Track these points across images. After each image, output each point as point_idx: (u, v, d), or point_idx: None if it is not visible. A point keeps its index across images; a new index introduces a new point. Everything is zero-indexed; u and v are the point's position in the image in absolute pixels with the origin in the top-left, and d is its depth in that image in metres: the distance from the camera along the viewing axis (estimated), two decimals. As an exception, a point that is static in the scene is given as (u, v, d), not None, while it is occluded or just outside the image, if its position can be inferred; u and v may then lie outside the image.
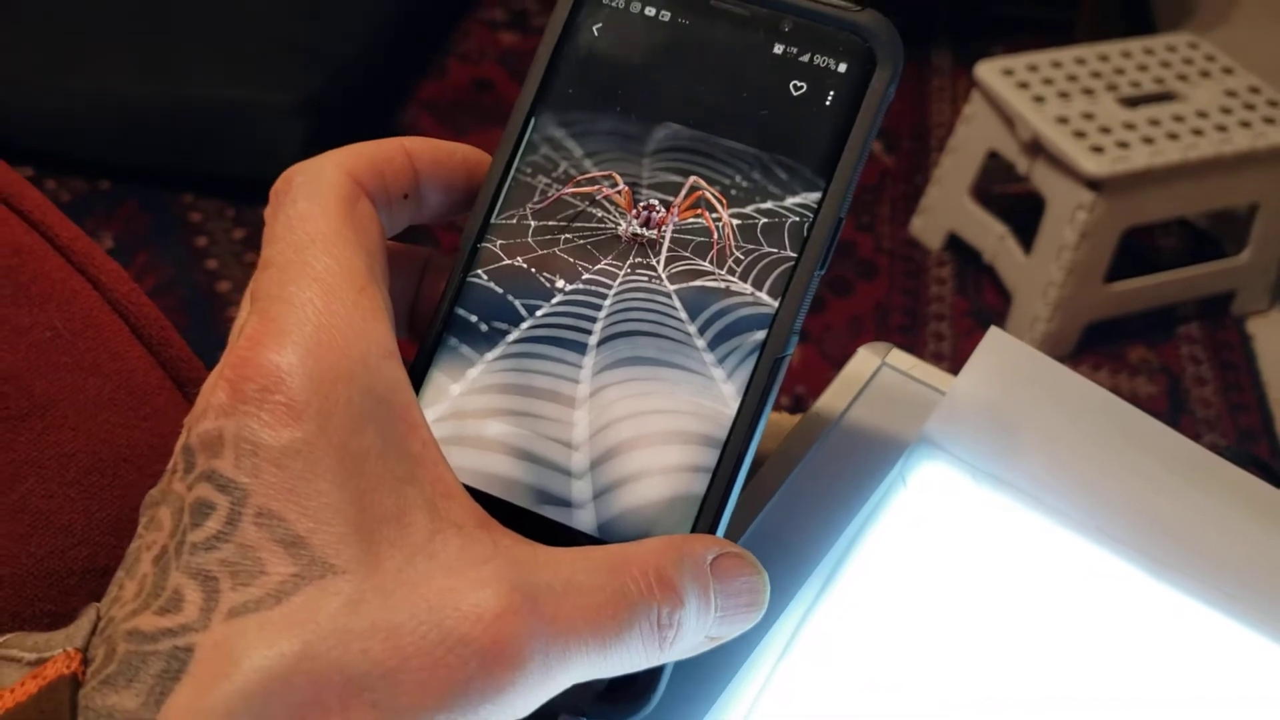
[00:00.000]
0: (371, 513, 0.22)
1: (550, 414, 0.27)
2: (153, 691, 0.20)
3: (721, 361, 0.27)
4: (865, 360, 0.34)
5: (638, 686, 0.25)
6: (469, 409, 0.27)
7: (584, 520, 0.26)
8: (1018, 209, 1.25)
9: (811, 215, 0.27)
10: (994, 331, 0.33)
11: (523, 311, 0.27)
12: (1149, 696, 0.29)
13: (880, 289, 1.29)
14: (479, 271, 0.28)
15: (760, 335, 0.26)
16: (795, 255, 0.26)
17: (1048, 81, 1.19)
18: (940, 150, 1.35)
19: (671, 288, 0.27)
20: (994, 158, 1.24)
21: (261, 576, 0.21)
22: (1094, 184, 1.11)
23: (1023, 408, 0.33)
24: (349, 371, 0.22)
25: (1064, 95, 1.18)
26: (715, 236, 0.27)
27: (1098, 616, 0.30)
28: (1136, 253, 1.26)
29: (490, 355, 0.27)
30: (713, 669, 0.29)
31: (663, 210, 0.27)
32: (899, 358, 0.35)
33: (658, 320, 0.27)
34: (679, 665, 0.25)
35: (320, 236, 0.23)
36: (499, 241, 0.28)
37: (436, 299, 0.28)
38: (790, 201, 0.27)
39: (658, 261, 0.27)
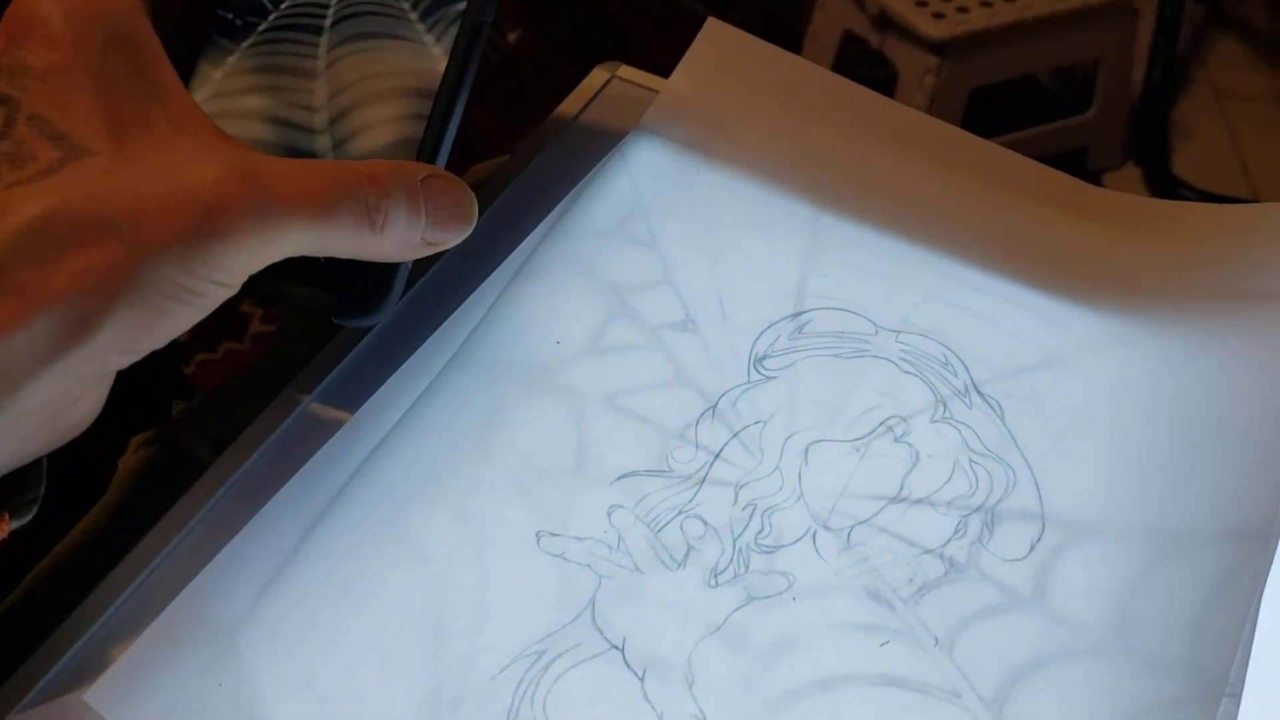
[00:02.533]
0: (121, 118, 0.27)
1: (294, 85, 0.33)
2: None
3: (431, 29, 0.33)
4: (597, 75, 0.41)
5: (372, 289, 0.31)
6: (229, 89, 0.33)
7: (325, 166, 0.32)
8: (877, 87, 1.32)
9: None
10: (711, 22, 0.39)
11: (269, 6, 0.33)
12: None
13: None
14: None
15: (461, 4, 0.32)
16: None
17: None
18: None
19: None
20: (853, 40, 1.31)
21: (33, 161, 0.27)
22: (937, 48, 1.18)
23: (739, 91, 0.39)
24: (100, 14, 0.28)
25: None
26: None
27: (803, 261, 0.37)
28: (990, 116, 1.34)
29: (244, 45, 0.33)
30: (450, 290, 0.35)
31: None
32: (630, 72, 0.41)
33: (379, 1, 0.33)
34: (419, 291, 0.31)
35: None
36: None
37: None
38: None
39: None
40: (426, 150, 0.32)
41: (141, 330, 0.26)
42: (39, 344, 0.25)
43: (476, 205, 0.32)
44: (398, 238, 0.30)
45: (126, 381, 0.32)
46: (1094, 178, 1.37)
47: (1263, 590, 0.28)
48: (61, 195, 0.26)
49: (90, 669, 0.29)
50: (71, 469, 0.37)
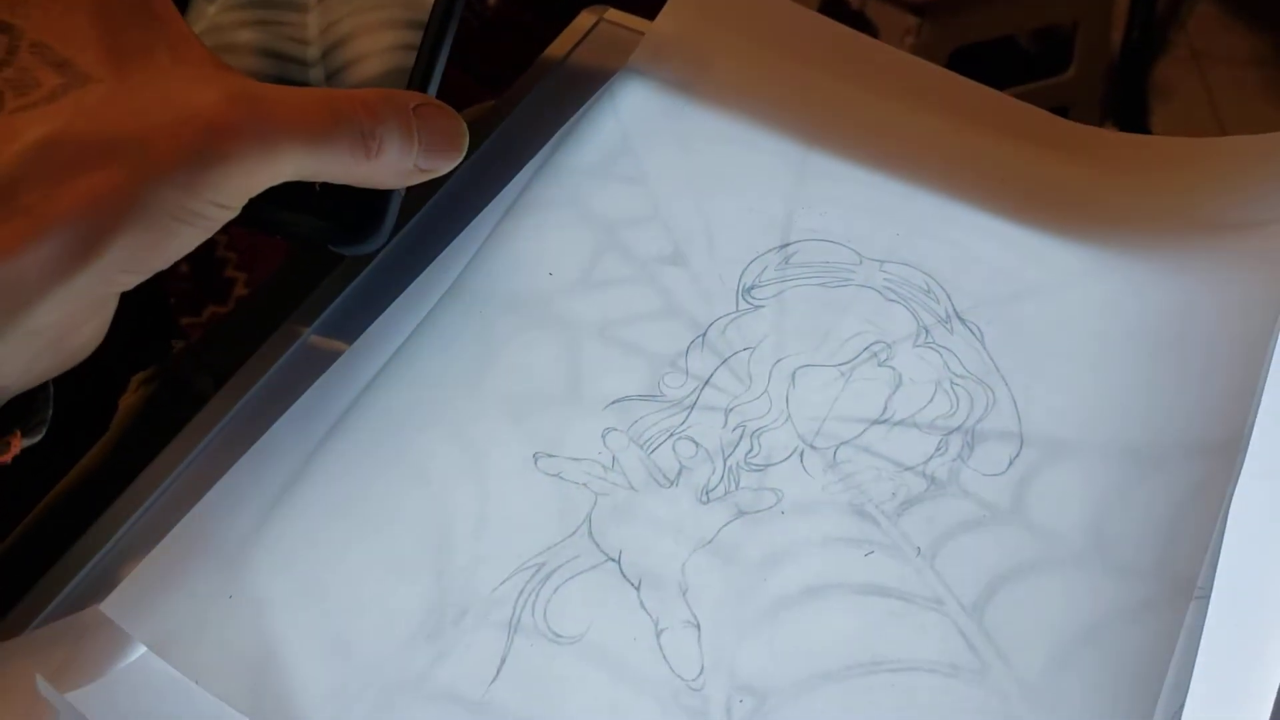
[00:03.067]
0: (122, 46, 0.28)
1: (287, 19, 0.33)
2: None
3: (423, -38, 0.33)
4: (585, 18, 0.41)
5: (366, 217, 0.32)
6: (222, 23, 0.33)
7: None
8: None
9: None
10: (696, -34, 0.40)
11: (262, -57, 0.34)
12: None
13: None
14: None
15: (449, -64, 0.33)
16: None
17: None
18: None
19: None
20: (834, 1, 1.31)
21: (36, 88, 0.27)
22: (917, 9, 1.19)
23: (724, 32, 0.40)
24: None
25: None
26: None
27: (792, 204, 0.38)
28: (970, 76, 1.35)
29: (238, -18, 0.34)
30: (445, 226, 0.36)
31: None
32: (616, 15, 0.41)
33: (369, -62, 0.34)
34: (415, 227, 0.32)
35: None
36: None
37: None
38: None
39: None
40: (417, 80, 0.33)
41: (147, 251, 0.27)
42: (48, 264, 0.26)
43: (467, 133, 0.33)
44: (391, 164, 0.31)
45: (125, 322, 0.33)
46: (1073, 139, 1.38)
47: (1231, 498, 0.29)
48: (66, 120, 0.26)
49: (103, 587, 0.29)
50: (74, 410, 0.38)
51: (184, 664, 0.28)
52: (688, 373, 0.33)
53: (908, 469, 0.31)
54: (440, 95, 0.33)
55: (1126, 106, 1.36)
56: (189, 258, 0.29)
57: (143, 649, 0.28)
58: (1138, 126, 1.36)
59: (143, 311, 0.41)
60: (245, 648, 0.29)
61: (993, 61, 1.44)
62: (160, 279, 0.30)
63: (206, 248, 0.41)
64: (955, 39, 1.23)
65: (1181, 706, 0.27)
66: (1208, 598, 0.28)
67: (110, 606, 0.28)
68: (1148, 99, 1.38)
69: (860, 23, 1.30)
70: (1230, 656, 0.28)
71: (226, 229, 0.29)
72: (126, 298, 0.29)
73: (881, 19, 1.23)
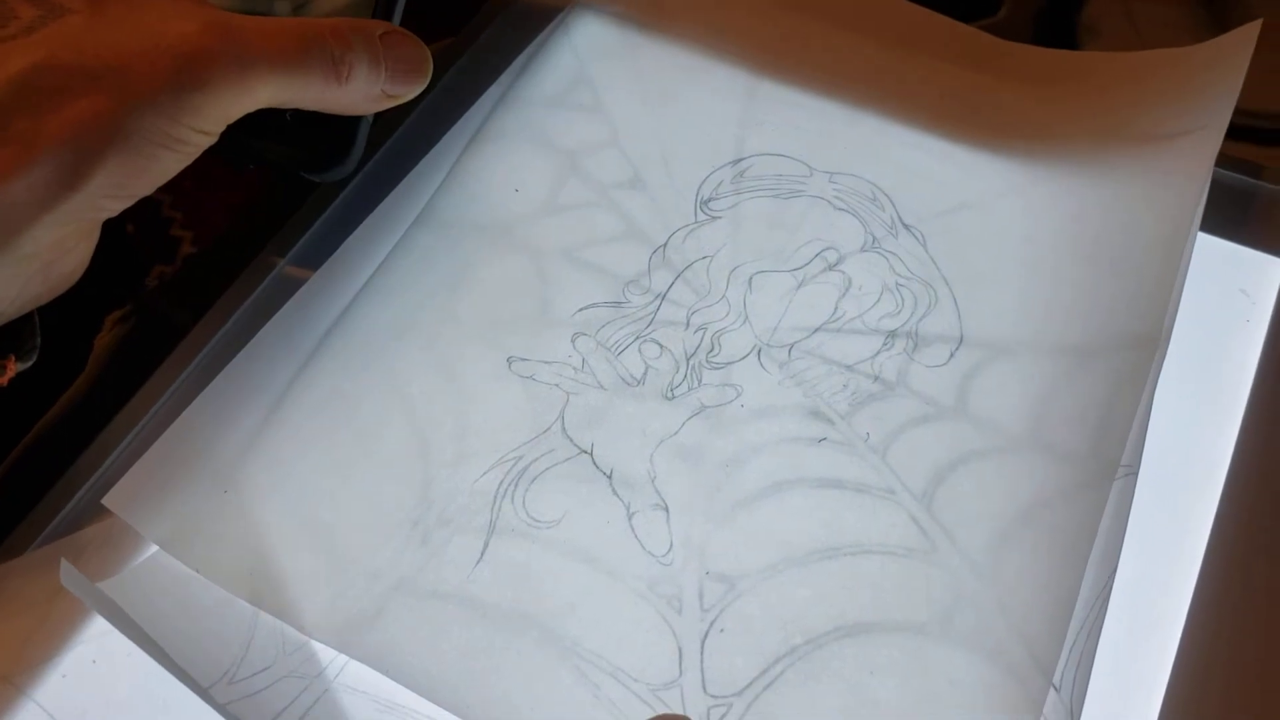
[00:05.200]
0: (99, -21, 0.29)
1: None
2: None
3: (383, -104, 0.34)
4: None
5: (337, 143, 0.34)
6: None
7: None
8: None
9: None
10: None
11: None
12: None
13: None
14: None
15: None
16: None
17: None
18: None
19: None
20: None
21: (15, 20, 0.28)
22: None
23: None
24: None
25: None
26: None
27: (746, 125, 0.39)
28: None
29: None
30: (412, 157, 0.37)
31: None
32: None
33: (330, -125, 0.35)
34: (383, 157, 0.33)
35: None
36: None
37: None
38: None
39: None
40: (381, 9, 0.34)
41: (131, 176, 0.28)
42: (37, 190, 0.27)
43: (431, 60, 0.34)
44: (360, 89, 0.32)
45: (95, 262, 0.34)
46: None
47: (1155, 385, 0.32)
48: (48, 49, 0.28)
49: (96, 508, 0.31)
50: (49, 347, 0.39)
51: (188, 557, 0.30)
52: (650, 282, 0.35)
53: (856, 366, 0.33)
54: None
55: (1057, 46, 1.39)
56: (133, 216, 0.30)
57: (153, 548, 0.30)
58: (1074, 71, 1.39)
59: (109, 254, 0.41)
60: (243, 542, 0.30)
61: (924, 3, 1.46)
62: (118, 222, 0.31)
63: (150, 207, 0.42)
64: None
65: (1114, 571, 0.29)
66: (1135, 474, 0.31)
67: (113, 500, 0.30)
68: (1077, 38, 1.41)
69: None
70: (1160, 522, 0.31)
71: (170, 187, 0.31)
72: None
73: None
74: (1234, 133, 0.36)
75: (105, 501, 0.30)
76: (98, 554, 0.30)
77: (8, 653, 0.30)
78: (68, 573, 0.27)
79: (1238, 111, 0.36)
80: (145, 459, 0.31)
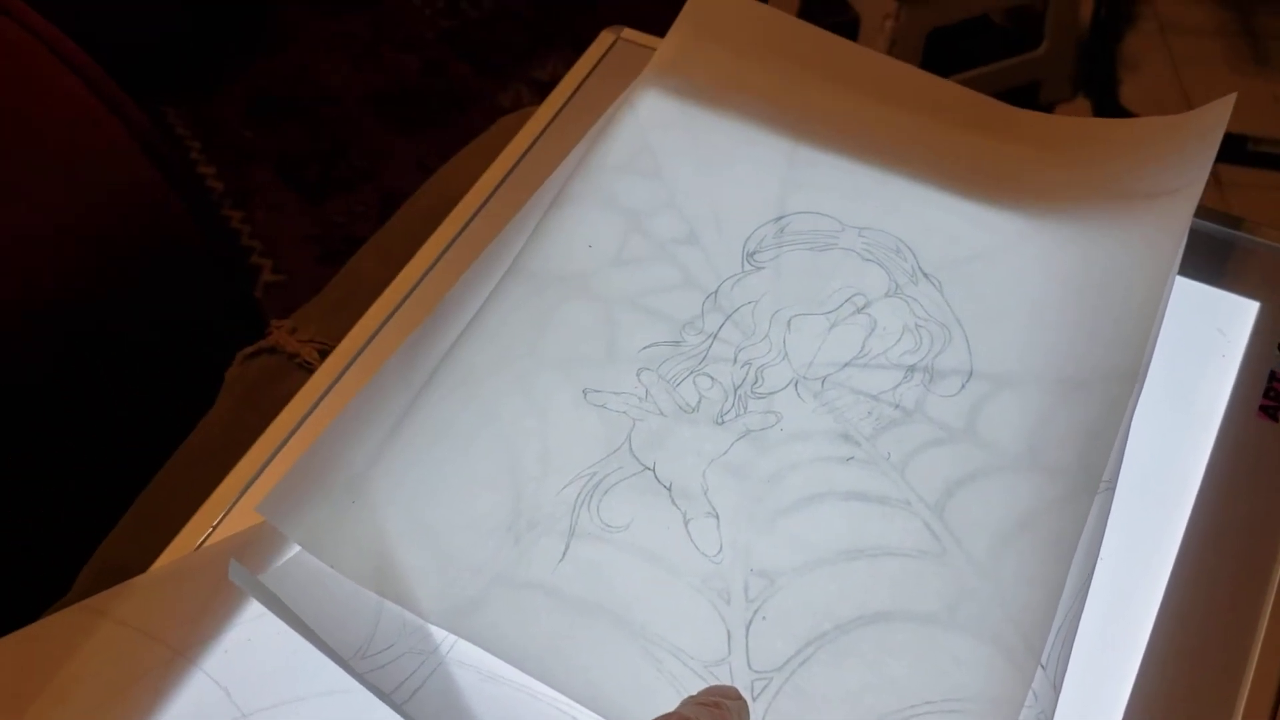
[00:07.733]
0: None
1: None
2: None
3: None
4: (605, 38, 0.49)
5: None
6: None
7: None
8: (840, 32, 1.40)
9: None
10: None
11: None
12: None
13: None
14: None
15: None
16: None
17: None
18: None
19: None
20: (818, -13, 1.38)
21: None
22: (897, -7, 1.26)
23: (725, 45, 0.47)
24: None
25: (868, -79, 1.33)
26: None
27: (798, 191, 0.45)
28: (947, 55, 1.42)
29: None
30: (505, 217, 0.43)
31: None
32: (632, 34, 0.49)
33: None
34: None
35: None
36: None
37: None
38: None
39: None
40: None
41: None
42: None
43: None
44: None
45: (228, 305, 0.41)
46: (1046, 109, 1.45)
47: (1134, 412, 0.37)
48: None
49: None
50: (179, 386, 0.45)
51: (324, 555, 0.36)
52: (704, 324, 0.41)
53: (880, 396, 0.39)
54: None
55: (1096, 79, 1.44)
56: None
57: (295, 548, 0.36)
58: (1107, 97, 1.43)
59: (237, 304, 0.48)
60: (369, 543, 0.37)
61: (968, 40, 1.51)
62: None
63: (232, 233, 0.49)
64: (932, 20, 1.31)
65: (1093, 570, 0.35)
66: (1113, 489, 0.36)
67: (264, 509, 0.37)
68: (1116, 71, 1.45)
69: (842, 8, 1.37)
70: (1134, 530, 0.37)
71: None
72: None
73: (861, 3, 1.31)
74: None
75: (258, 509, 0.37)
76: (252, 553, 0.37)
77: (182, 633, 0.36)
78: (235, 569, 0.33)
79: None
80: (289, 474, 0.37)
